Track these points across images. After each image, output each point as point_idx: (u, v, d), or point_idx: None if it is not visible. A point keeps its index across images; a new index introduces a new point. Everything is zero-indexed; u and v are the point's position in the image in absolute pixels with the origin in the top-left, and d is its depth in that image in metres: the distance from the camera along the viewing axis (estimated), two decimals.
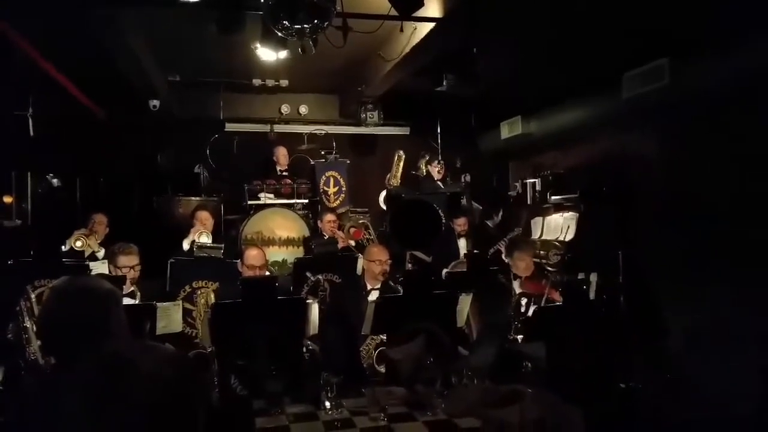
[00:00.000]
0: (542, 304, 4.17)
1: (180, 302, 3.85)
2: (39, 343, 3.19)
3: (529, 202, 7.66)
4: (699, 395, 3.79)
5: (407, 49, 5.63)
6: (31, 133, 5.70)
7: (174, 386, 1.45)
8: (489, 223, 7.56)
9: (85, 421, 1.55)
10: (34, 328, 3.27)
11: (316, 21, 3.90)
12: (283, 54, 4.97)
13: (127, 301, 3.63)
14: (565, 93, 6.63)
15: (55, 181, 6.95)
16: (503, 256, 5.61)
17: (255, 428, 2.36)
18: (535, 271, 4.64)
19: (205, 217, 5.49)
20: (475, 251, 5.97)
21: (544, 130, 7.28)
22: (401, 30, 5.21)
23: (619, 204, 5.56)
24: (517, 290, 4.47)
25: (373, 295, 3.96)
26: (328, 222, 6.18)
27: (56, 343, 1.74)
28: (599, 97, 6.17)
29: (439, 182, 7.27)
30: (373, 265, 4.11)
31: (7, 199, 5.98)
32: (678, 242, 5.09)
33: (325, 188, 7.19)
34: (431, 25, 5.09)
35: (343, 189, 7.26)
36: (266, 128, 8.02)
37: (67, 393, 1.59)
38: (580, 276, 5.18)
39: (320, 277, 4.24)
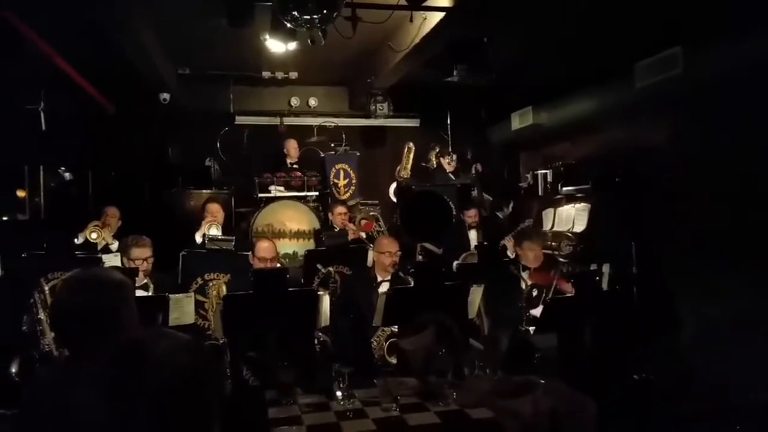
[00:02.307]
0: (551, 295, 4.15)
1: (192, 294, 3.88)
2: (53, 334, 3.23)
3: (540, 194, 7.60)
4: (712, 387, 3.76)
5: (417, 40, 5.59)
6: (43, 127, 5.73)
7: (189, 372, 1.45)
8: (499, 214, 7.53)
9: (101, 410, 1.56)
10: (48, 320, 3.31)
11: (325, 11, 3.89)
12: (292, 45, 4.98)
13: (140, 293, 3.66)
14: (576, 83, 6.56)
15: (67, 175, 7.00)
16: (508, 252, 5.60)
17: (267, 419, 2.37)
18: (544, 262, 4.61)
19: (215, 209, 5.51)
20: (486, 243, 5.94)
21: (556, 120, 7.22)
22: (411, 20, 5.18)
23: (632, 195, 5.50)
24: (527, 281, 4.46)
25: (384, 287, 3.96)
26: (338, 214, 6.18)
27: (69, 333, 1.75)
28: (611, 86, 6.11)
29: (450, 174, 7.24)
30: (383, 256, 4.10)
31: (21, 194, 6.03)
32: (691, 233, 5.04)
33: (336, 180, 7.18)
34: (441, 14, 5.05)
35: (353, 181, 7.25)
36: (276, 121, 8.02)
37: (82, 383, 1.60)
38: (593, 267, 5.15)
39: (331, 269, 4.25)
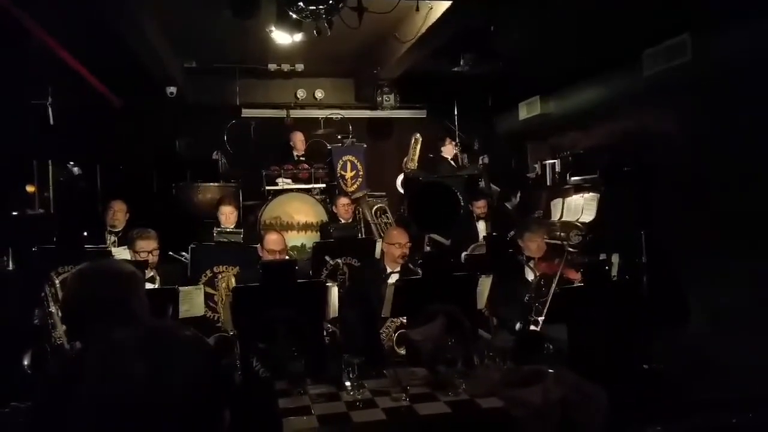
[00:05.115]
0: (555, 283, 4.13)
1: (202, 286, 3.90)
2: (64, 327, 3.25)
3: (548, 184, 7.57)
4: (723, 376, 3.75)
5: (423, 30, 5.56)
6: (51, 122, 5.74)
7: (205, 361, 1.47)
8: (508, 205, 7.51)
9: (121, 399, 1.57)
10: (59, 313, 3.33)
11: (331, 2, 3.87)
12: (298, 37, 4.96)
13: (147, 286, 3.67)
14: (584, 72, 6.52)
15: (75, 169, 7.00)
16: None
17: (278, 409, 2.38)
18: (548, 251, 4.59)
19: (229, 211, 5.53)
20: (494, 234, 5.93)
21: (563, 110, 7.18)
22: (417, 9, 5.16)
23: (641, 184, 5.47)
24: (530, 272, 4.44)
25: (393, 278, 3.95)
26: (342, 205, 6.18)
27: (80, 325, 1.75)
28: (619, 75, 6.07)
29: (452, 162, 7.23)
30: (393, 248, 4.10)
31: (30, 189, 6.04)
32: (701, 221, 5.01)
33: (343, 173, 7.17)
34: (447, 3, 5.01)
35: (361, 173, 7.23)
36: (282, 113, 8.02)
37: (94, 375, 1.61)
38: (602, 257, 5.12)
39: (339, 260, 4.25)
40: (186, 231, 5.29)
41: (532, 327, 4.00)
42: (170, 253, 4.62)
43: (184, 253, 4.64)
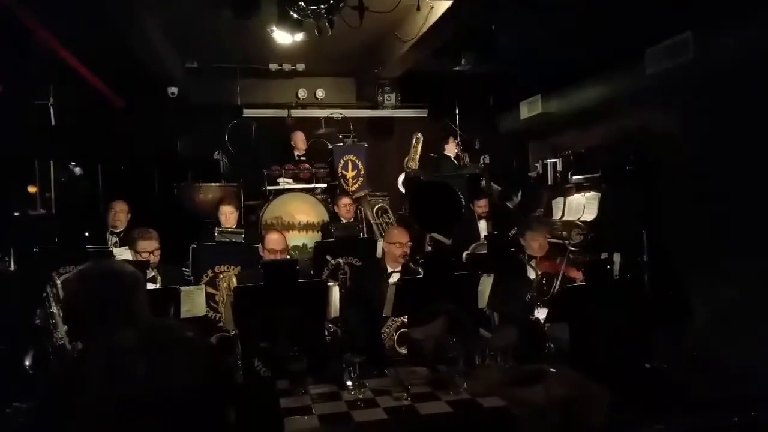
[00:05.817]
0: (557, 282, 4.14)
1: (203, 286, 3.89)
2: (66, 328, 3.25)
3: (549, 183, 7.57)
4: (725, 374, 3.74)
5: (424, 29, 5.56)
6: (53, 122, 5.75)
7: (198, 364, 1.47)
8: (509, 204, 7.51)
9: (114, 403, 1.57)
10: (61, 314, 3.33)
11: (332, 1, 3.87)
12: (299, 36, 4.95)
13: (148, 285, 3.67)
14: (585, 70, 6.51)
15: (77, 169, 7.02)
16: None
17: (279, 408, 2.38)
18: (550, 250, 4.59)
19: (229, 211, 5.53)
20: (496, 233, 5.92)
21: (565, 108, 7.17)
22: (418, 8, 5.16)
23: (643, 183, 5.47)
24: (532, 271, 4.44)
25: (394, 278, 3.95)
26: (344, 205, 6.17)
27: (81, 324, 1.75)
28: (621, 73, 6.05)
29: (454, 160, 7.22)
30: (394, 247, 4.09)
31: (32, 189, 6.05)
32: (703, 220, 5.00)
33: (344, 172, 7.16)
34: (448, 2, 5.01)
35: (362, 173, 7.22)
36: (284, 113, 8.02)
37: (95, 375, 1.61)
38: (604, 256, 5.12)
39: (340, 260, 4.24)
40: (187, 231, 5.29)
41: (534, 326, 3.99)
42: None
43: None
